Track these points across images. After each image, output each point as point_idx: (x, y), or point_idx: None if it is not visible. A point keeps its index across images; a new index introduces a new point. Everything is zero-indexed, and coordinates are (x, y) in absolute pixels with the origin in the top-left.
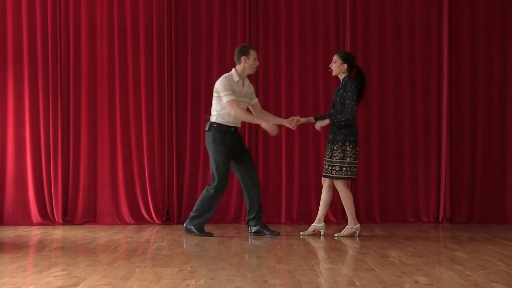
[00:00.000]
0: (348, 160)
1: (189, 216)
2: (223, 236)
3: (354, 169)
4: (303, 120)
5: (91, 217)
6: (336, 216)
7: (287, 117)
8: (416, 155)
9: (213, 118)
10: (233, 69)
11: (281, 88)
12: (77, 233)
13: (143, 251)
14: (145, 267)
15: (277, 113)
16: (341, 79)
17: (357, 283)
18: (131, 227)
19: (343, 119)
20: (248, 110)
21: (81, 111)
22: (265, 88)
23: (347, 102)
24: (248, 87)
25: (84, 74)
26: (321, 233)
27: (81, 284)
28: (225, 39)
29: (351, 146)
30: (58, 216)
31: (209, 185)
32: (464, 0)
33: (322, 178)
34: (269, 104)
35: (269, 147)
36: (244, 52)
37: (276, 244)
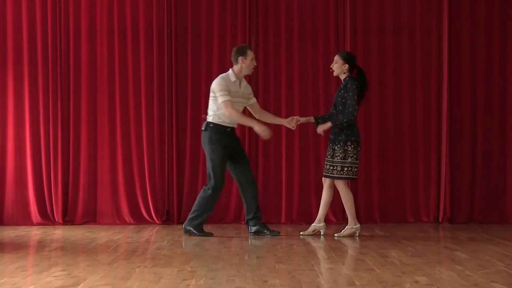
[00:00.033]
0: (349, 160)
1: (188, 218)
2: (223, 236)
3: (356, 169)
4: (302, 119)
5: (91, 217)
6: (336, 216)
7: (287, 117)
8: (416, 155)
9: (209, 118)
10: (230, 69)
11: (281, 88)
12: (77, 233)
13: (143, 251)
14: (145, 267)
15: (277, 113)
16: (342, 79)
17: (357, 283)
18: (131, 227)
19: (345, 120)
20: (246, 110)
21: (81, 111)
22: (265, 88)
23: (348, 102)
24: (245, 88)
25: (84, 74)
26: (321, 233)
27: (81, 284)
28: (225, 39)
29: (352, 146)
30: (58, 216)
31: (206, 185)
32: (464, 0)
33: (323, 178)
34: (269, 104)
35: (269, 147)
36: (242, 52)
37: (276, 244)
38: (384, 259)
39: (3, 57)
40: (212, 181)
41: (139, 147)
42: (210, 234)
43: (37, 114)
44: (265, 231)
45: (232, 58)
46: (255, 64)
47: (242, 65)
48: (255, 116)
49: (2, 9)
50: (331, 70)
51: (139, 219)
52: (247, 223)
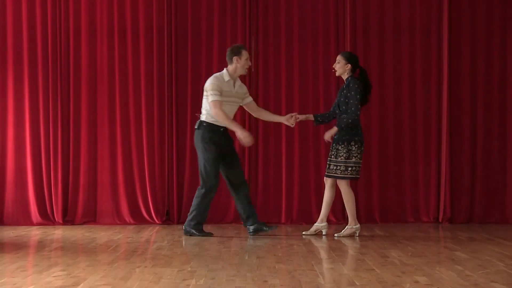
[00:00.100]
0: (353, 160)
1: (187, 219)
2: (223, 236)
3: (359, 169)
4: (301, 117)
5: (91, 217)
6: (336, 216)
7: None
8: (416, 155)
9: (203, 117)
10: (225, 69)
11: (281, 88)
12: (77, 233)
13: (143, 251)
14: (145, 267)
15: (277, 113)
16: (344, 79)
17: (357, 283)
18: (131, 227)
19: (349, 120)
20: (242, 109)
21: (81, 111)
22: (265, 88)
23: (351, 101)
24: (240, 87)
25: (84, 74)
26: (323, 233)
27: (81, 284)
28: (225, 39)
29: (356, 146)
30: (58, 216)
31: (200, 185)
32: (464, 0)
33: (325, 177)
34: (269, 104)
35: (269, 147)
36: (236, 52)
37: (276, 244)
38: (384, 259)
39: (3, 57)
40: (205, 180)
41: (139, 147)
42: (210, 234)
43: (37, 114)
44: (264, 228)
45: (227, 58)
46: (250, 64)
47: (237, 65)
48: (252, 114)
49: (2, 9)
50: (333, 70)
51: (139, 219)
52: (244, 224)
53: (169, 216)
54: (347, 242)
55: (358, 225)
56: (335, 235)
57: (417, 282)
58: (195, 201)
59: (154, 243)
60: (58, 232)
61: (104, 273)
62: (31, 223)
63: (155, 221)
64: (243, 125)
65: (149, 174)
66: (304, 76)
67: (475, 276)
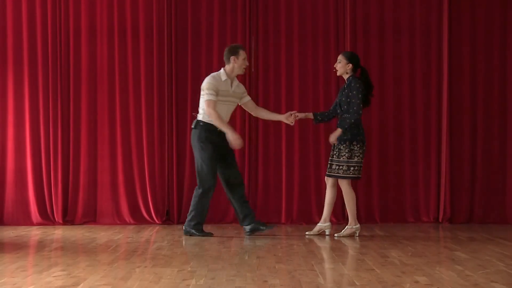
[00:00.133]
0: (355, 159)
1: (186, 219)
2: (223, 236)
3: (360, 169)
4: (301, 115)
5: (91, 217)
6: (336, 216)
7: None
8: (416, 155)
9: (200, 117)
10: (222, 69)
11: (281, 88)
12: (77, 233)
13: (143, 251)
14: (145, 267)
15: (277, 112)
16: (345, 79)
17: (357, 283)
18: (131, 227)
19: (352, 120)
20: (240, 109)
21: (81, 111)
22: (265, 88)
23: (353, 101)
24: (237, 87)
25: (84, 74)
26: (326, 233)
27: (81, 284)
28: (225, 39)
29: (358, 145)
30: (58, 216)
31: (197, 185)
32: (464, 0)
33: (326, 177)
34: (269, 104)
35: (269, 147)
36: (234, 52)
37: (276, 244)
38: (384, 259)
39: (3, 57)
40: (202, 180)
41: (139, 147)
42: (210, 234)
43: (37, 114)
44: (261, 228)
45: (224, 58)
46: (248, 64)
47: (234, 65)
48: (251, 113)
49: (2, 9)
50: (334, 70)
51: (139, 219)
52: (240, 223)
53: (169, 216)
54: (347, 242)
55: (358, 225)
56: (335, 235)
57: (417, 282)
58: (193, 202)
59: (154, 243)
60: (58, 232)
61: (104, 273)
62: (31, 223)
63: (155, 221)
64: (243, 124)
65: (149, 174)
66: (304, 76)
67: (475, 276)
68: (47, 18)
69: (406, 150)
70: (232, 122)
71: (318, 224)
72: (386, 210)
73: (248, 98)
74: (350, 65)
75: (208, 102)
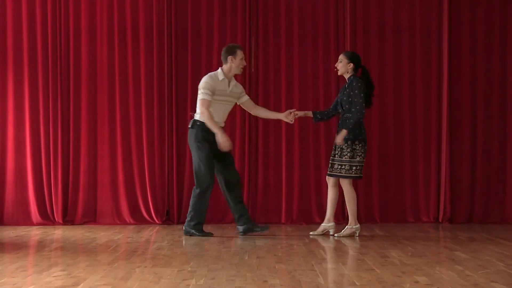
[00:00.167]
0: (358, 159)
1: (186, 219)
2: (223, 236)
3: (362, 168)
4: (300, 113)
5: (91, 217)
6: (336, 216)
7: None
8: (416, 155)
9: (197, 116)
10: (220, 68)
11: (281, 88)
12: (77, 233)
13: (143, 251)
14: (145, 267)
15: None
16: (346, 78)
17: (357, 283)
18: (131, 227)
19: (356, 119)
20: (239, 108)
21: (81, 111)
22: (265, 88)
23: (355, 100)
24: (235, 87)
25: (84, 74)
26: (330, 233)
27: (81, 284)
28: (225, 39)
29: (360, 145)
30: (58, 216)
31: (195, 185)
32: (464, 0)
33: (327, 177)
34: (269, 104)
35: (269, 147)
36: (231, 52)
37: (276, 244)
38: (384, 259)
39: (3, 57)
40: (200, 180)
41: (139, 147)
42: (210, 234)
43: (37, 114)
44: (255, 229)
45: (222, 57)
46: (245, 64)
47: (232, 65)
48: (250, 112)
49: (2, 9)
50: (335, 70)
51: (139, 219)
52: (236, 223)
53: (169, 216)
54: (347, 242)
55: (358, 225)
56: (335, 235)
57: (417, 282)
58: (192, 202)
59: (154, 243)
60: (58, 232)
61: (104, 273)
62: (31, 223)
63: (155, 221)
64: (243, 124)
65: (149, 174)
66: (304, 76)
67: (475, 276)
68: (47, 18)
69: (406, 150)
70: (232, 122)
71: (322, 224)
72: (386, 210)
73: (246, 97)
74: (351, 64)
75: (203, 101)
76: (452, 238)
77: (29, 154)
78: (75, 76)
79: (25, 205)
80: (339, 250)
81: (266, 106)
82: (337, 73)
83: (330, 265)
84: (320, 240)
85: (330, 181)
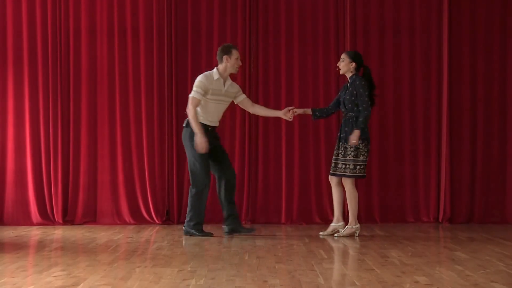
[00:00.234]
0: (361, 158)
1: (186, 220)
2: (223, 236)
3: (365, 167)
4: (299, 111)
5: (91, 217)
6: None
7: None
8: (416, 155)
9: None
10: (215, 68)
11: (281, 88)
12: (77, 233)
13: (143, 251)
14: (145, 267)
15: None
16: (348, 78)
17: (357, 283)
18: (131, 227)
19: (365, 117)
20: (238, 108)
21: (81, 111)
22: (265, 88)
23: (361, 99)
24: (231, 87)
25: (84, 74)
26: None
27: (81, 284)
28: (225, 39)
29: (364, 144)
30: (58, 216)
31: (191, 185)
32: (464, 0)
33: (330, 176)
34: (269, 104)
35: (269, 147)
36: (226, 51)
37: (276, 244)
38: (384, 259)
39: (3, 57)
40: (196, 179)
41: (139, 147)
42: (210, 234)
43: (37, 114)
44: (241, 230)
45: (217, 57)
46: (240, 63)
47: (227, 64)
48: (249, 111)
49: (2, 9)
50: (337, 69)
51: (139, 219)
52: (224, 221)
53: (169, 216)
54: (347, 242)
55: (358, 225)
56: (335, 235)
57: (417, 282)
58: (189, 202)
59: (154, 243)
60: (58, 232)
61: (104, 273)
62: (31, 223)
63: (155, 221)
64: (243, 124)
65: (149, 174)
66: (304, 76)
67: (475, 276)
68: (47, 18)
69: (406, 150)
70: (232, 122)
71: (332, 224)
72: (386, 210)
73: (243, 96)
74: (354, 64)
75: (192, 99)
76: (452, 238)
77: (29, 154)
78: (75, 76)
79: (25, 205)
80: (339, 250)
81: (266, 106)
82: (339, 72)
83: (330, 265)
84: (320, 240)
85: (333, 180)
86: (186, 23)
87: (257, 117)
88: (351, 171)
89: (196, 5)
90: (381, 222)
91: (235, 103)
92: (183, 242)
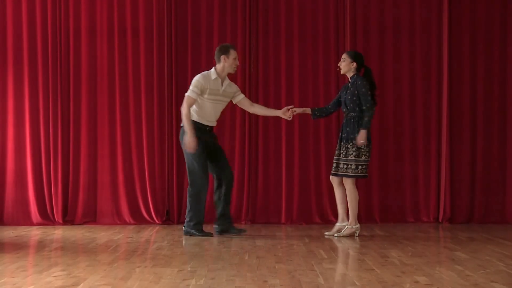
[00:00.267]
0: (363, 158)
1: (185, 220)
2: (223, 236)
3: (367, 167)
4: (298, 110)
5: (91, 217)
6: (336, 216)
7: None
8: (416, 155)
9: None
10: (213, 68)
11: (281, 88)
12: (77, 233)
13: (143, 251)
14: (145, 267)
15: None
16: (349, 78)
17: (357, 283)
18: (131, 227)
19: (369, 116)
20: (238, 108)
21: (81, 111)
22: (265, 88)
23: (364, 98)
24: (229, 86)
25: (84, 74)
26: None
27: (81, 284)
28: (225, 39)
29: (365, 144)
30: (58, 216)
31: (189, 185)
32: (464, 0)
33: (331, 177)
34: (269, 104)
35: (269, 147)
36: (224, 51)
37: (276, 244)
38: (384, 259)
39: (3, 57)
40: (194, 178)
41: (139, 147)
42: (210, 234)
43: (37, 114)
44: (231, 230)
45: (215, 57)
46: (238, 63)
47: (225, 64)
48: (248, 111)
49: (2, 9)
50: (338, 69)
51: (139, 219)
52: (216, 220)
53: (169, 216)
54: (347, 242)
55: (358, 225)
56: (335, 235)
57: (417, 282)
58: (188, 202)
59: (154, 243)
60: (58, 232)
61: (104, 273)
62: (31, 223)
63: (155, 221)
64: (243, 124)
65: (149, 174)
66: (304, 76)
67: (475, 276)
68: (47, 18)
69: (406, 150)
70: (232, 122)
71: (337, 224)
72: (386, 210)
73: (241, 96)
74: (354, 64)
75: (187, 97)
76: (452, 238)
77: (29, 154)
78: (75, 76)
79: (25, 205)
80: (339, 250)
81: (266, 106)
82: (340, 72)
83: (330, 265)
84: (320, 240)
85: (334, 180)
86: (186, 23)
87: (257, 117)
88: (353, 171)
89: (196, 5)
90: (381, 222)
91: (234, 103)
92: (183, 242)
